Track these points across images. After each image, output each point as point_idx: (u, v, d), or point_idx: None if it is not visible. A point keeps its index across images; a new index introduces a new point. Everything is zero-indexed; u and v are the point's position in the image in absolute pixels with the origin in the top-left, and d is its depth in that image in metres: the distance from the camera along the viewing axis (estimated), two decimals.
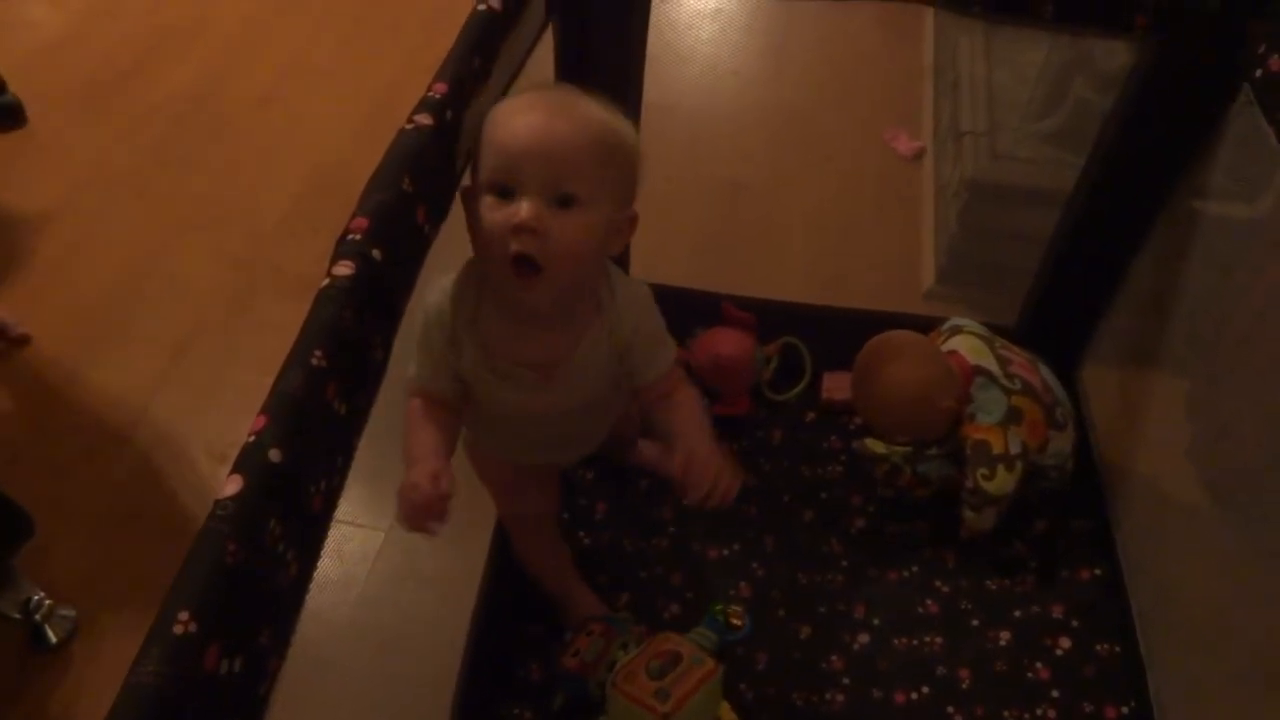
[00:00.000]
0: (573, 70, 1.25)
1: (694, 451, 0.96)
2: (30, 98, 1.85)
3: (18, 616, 1.35)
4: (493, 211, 0.88)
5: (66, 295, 1.83)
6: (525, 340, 0.97)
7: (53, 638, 1.36)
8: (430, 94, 0.88)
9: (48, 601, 1.37)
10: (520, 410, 1.02)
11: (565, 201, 0.88)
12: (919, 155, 2.15)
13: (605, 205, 0.91)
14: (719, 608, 1.25)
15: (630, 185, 0.95)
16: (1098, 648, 1.27)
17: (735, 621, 1.24)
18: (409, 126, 0.86)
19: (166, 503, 1.55)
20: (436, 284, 0.97)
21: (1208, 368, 1.38)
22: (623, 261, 1.35)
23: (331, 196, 1.97)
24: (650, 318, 1.02)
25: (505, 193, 0.88)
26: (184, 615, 0.52)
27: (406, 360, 0.96)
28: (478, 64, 0.94)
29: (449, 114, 0.88)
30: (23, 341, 1.72)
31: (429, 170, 0.86)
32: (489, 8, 0.98)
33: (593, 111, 0.91)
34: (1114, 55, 1.52)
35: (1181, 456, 1.37)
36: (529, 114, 0.89)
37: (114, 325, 1.80)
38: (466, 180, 0.94)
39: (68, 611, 1.38)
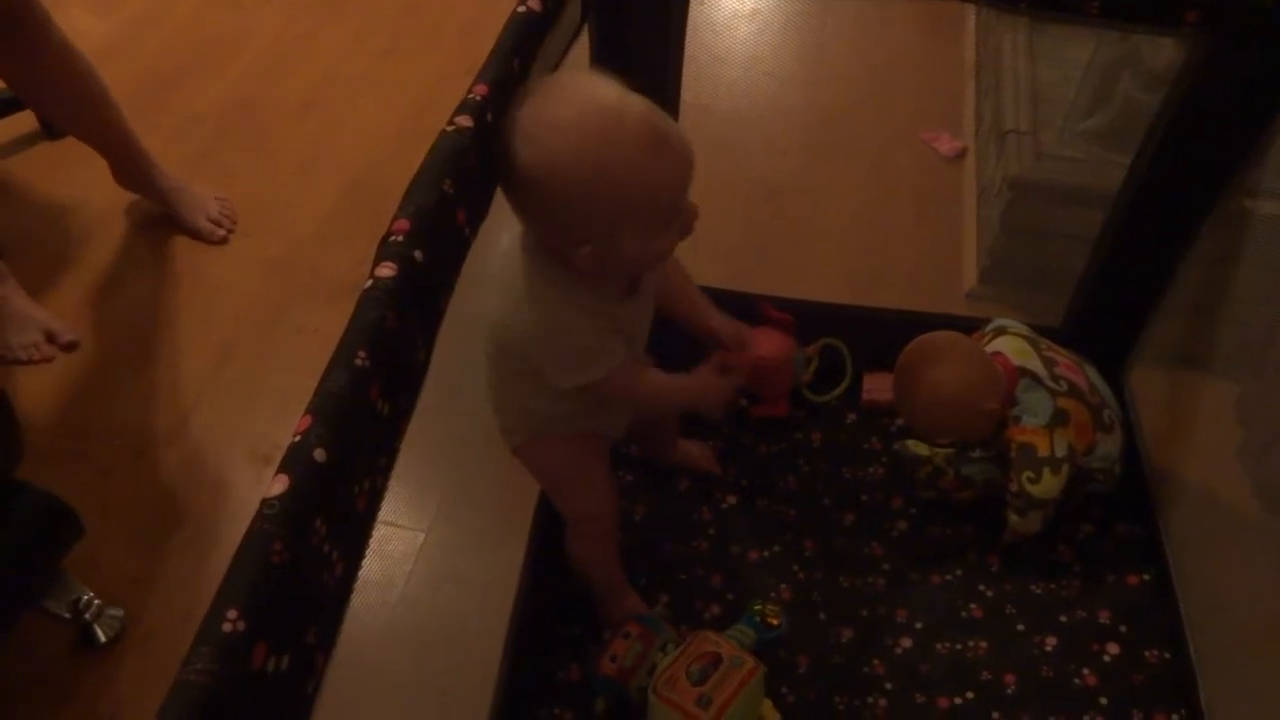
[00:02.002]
0: (609, 71, 1.24)
1: (725, 321, 1.13)
2: None
3: (67, 616, 1.37)
4: (662, 241, 0.95)
5: (114, 301, 1.86)
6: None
7: (102, 637, 1.38)
8: (471, 96, 0.89)
9: (96, 601, 1.38)
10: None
11: None
12: (960, 155, 2.13)
13: None
14: (758, 608, 1.24)
15: None
16: (1147, 654, 1.24)
17: (772, 621, 1.24)
18: (450, 128, 0.86)
19: (211, 504, 1.56)
20: (523, 300, 0.98)
21: (1259, 370, 1.35)
22: None
23: (370, 202, 2.00)
24: None
25: (667, 222, 0.94)
26: (233, 613, 0.52)
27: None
28: (517, 65, 0.95)
29: (489, 116, 0.89)
30: (72, 347, 1.75)
31: (469, 172, 0.86)
32: (528, 9, 0.98)
33: (659, 110, 0.93)
34: (1162, 52, 1.50)
35: (1232, 460, 1.34)
36: (668, 156, 0.90)
37: (159, 330, 1.82)
38: (585, 248, 0.92)
39: (116, 611, 1.39)
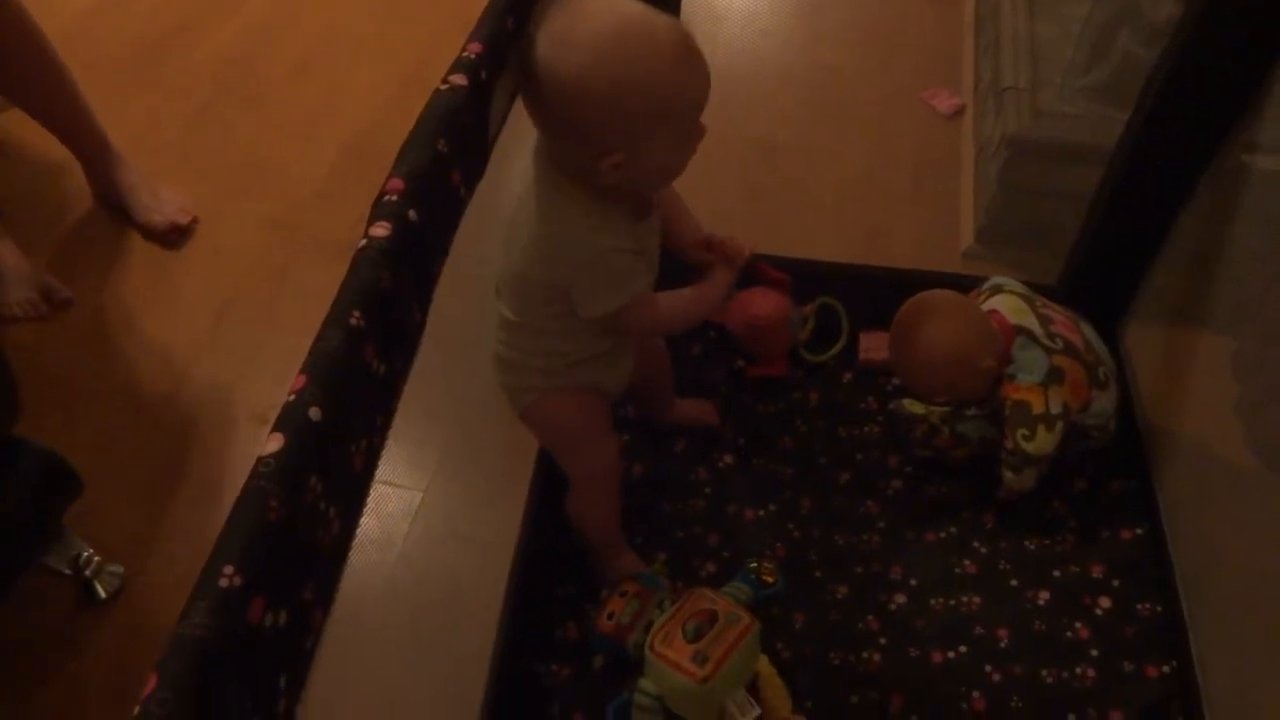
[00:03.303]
0: None
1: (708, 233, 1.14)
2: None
3: (68, 572, 1.38)
4: (682, 155, 0.98)
5: (110, 260, 1.86)
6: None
7: (102, 593, 1.39)
8: (465, 54, 0.88)
9: (96, 558, 1.40)
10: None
11: None
12: (959, 113, 2.12)
13: None
14: (754, 565, 1.25)
15: None
16: (1139, 607, 1.26)
17: (768, 578, 1.25)
18: (444, 87, 0.85)
19: (209, 462, 1.57)
20: (557, 230, 1.00)
21: (1256, 326, 1.35)
22: None
23: (369, 162, 1.98)
24: None
25: (689, 136, 0.97)
26: (229, 569, 0.53)
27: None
28: (512, 23, 0.94)
29: (484, 74, 0.88)
30: (66, 304, 1.75)
31: (464, 131, 0.85)
32: None
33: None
34: (1161, 6, 1.49)
35: (1227, 416, 1.35)
36: (699, 66, 0.94)
37: (158, 289, 1.82)
38: (614, 156, 0.94)
39: (116, 568, 1.41)
